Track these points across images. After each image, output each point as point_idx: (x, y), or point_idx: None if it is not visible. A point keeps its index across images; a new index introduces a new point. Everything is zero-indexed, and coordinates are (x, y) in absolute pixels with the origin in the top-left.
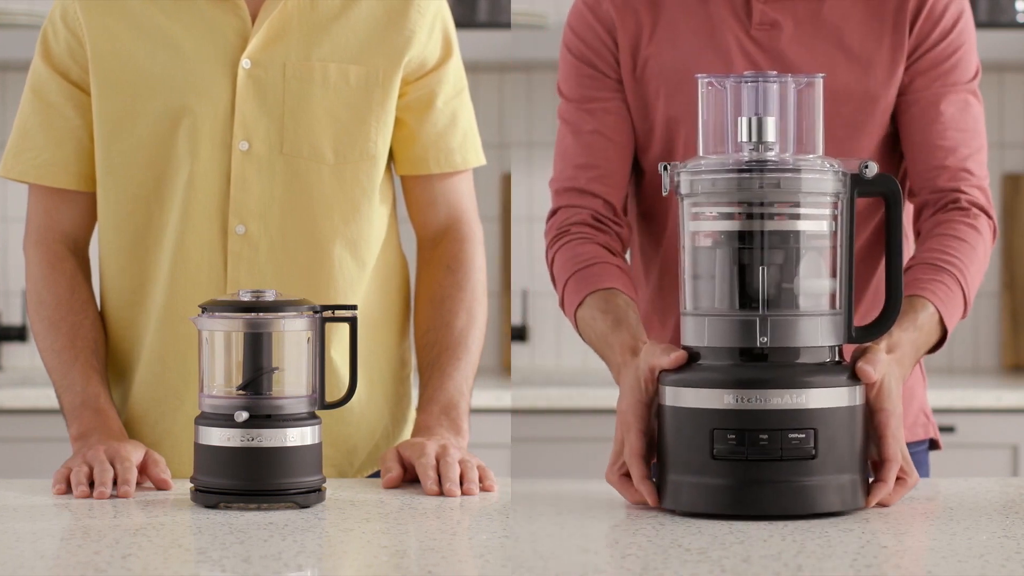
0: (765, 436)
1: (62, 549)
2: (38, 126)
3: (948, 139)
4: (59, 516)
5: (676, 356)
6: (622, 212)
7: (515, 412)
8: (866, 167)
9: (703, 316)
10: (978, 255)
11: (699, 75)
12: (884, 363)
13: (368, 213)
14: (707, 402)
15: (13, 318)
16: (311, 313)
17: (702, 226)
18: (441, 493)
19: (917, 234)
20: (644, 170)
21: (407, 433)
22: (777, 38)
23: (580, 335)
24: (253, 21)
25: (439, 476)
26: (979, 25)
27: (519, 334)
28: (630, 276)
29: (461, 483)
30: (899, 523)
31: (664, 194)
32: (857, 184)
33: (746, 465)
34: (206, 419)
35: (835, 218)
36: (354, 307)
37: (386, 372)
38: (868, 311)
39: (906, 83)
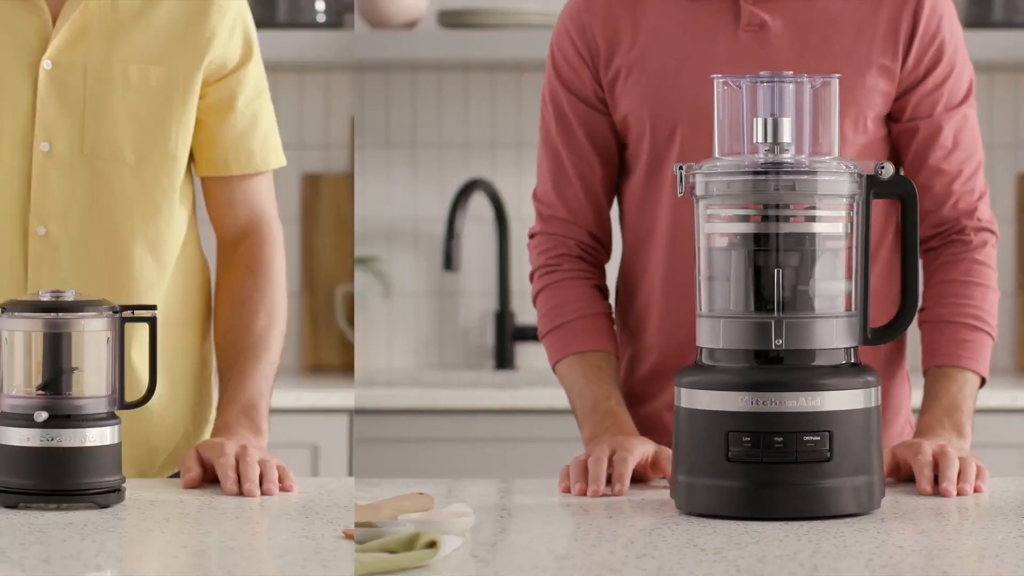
0: (780, 438)
1: None
2: None
3: (951, 163)
4: None
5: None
6: (605, 236)
7: (516, 412)
8: (882, 168)
9: (718, 318)
10: (990, 288)
11: (714, 75)
12: (930, 459)
13: (168, 214)
14: (722, 404)
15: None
16: (110, 313)
17: (717, 227)
18: (241, 493)
19: (926, 252)
20: (631, 172)
21: (208, 433)
22: (765, 40)
23: (560, 382)
24: (54, 22)
25: (239, 476)
26: (994, 26)
27: (524, 335)
28: (611, 322)
29: (261, 483)
30: (915, 523)
31: (679, 195)
32: (873, 185)
33: (761, 467)
34: (6, 419)
35: (851, 220)
36: (153, 307)
37: (187, 372)
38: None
39: (910, 106)
